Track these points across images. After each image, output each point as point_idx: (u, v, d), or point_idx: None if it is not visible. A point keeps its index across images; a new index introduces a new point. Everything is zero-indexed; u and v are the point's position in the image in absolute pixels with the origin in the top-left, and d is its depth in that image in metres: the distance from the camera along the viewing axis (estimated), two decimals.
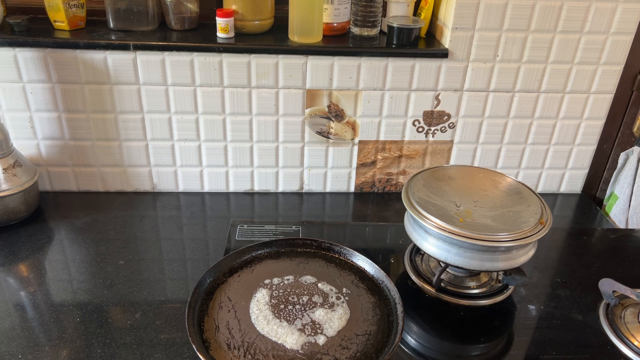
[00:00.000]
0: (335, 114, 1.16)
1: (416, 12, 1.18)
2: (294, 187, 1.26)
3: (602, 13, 1.09)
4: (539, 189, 1.31)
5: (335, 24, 1.12)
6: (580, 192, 1.32)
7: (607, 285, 0.89)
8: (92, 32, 1.08)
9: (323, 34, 1.11)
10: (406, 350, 0.82)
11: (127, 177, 1.20)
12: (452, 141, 1.22)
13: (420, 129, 1.20)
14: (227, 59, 1.07)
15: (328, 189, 1.27)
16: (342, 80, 1.11)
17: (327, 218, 1.18)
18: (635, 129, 1.24)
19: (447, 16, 1.10)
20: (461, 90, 1.15)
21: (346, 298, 0.83)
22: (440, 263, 0.92)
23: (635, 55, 1.15)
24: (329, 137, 1.19)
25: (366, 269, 0.89)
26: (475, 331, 0.86)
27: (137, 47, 1.04)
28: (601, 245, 1.11)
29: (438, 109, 1.17)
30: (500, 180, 0.94)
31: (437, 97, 1.16)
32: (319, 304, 0.81)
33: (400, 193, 0.91)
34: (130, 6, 1.07)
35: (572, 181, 1.31)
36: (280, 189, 1.26)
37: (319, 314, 0.78)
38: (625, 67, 1.16)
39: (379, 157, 1.23)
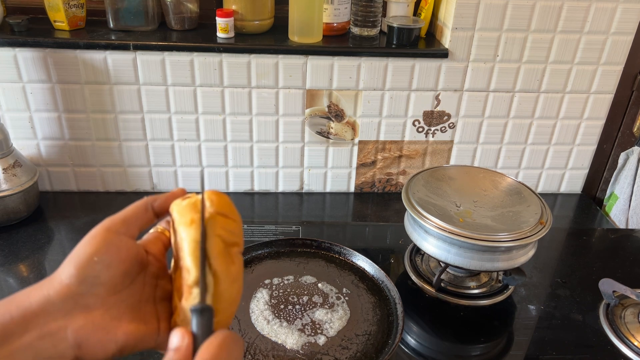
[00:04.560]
0: (335, 114, 1.16)
1: (416, 12, 1.18)
2: (294, 187, 1.26)
3: (602, 13, 1.09)
4: (539, 189, 1.31)
5: (335, 24, 1.12)
6: (580, 192, 1.32)
7: (607, 285, 0.89)
8: (92, 32, 1.08)
9: (323, 34, 1.11)
10: (406, 350, 0.82)
11: (127, 177, 1.20)
12: (452, 141, 1.22)
13: (420, 129, 1.20)
14: (227, 59, 1.07)
15: (328, 189, 1.27)
16: (342, 80, 1.11)
17: (327, 218, 1.18)
18: (635, 129, 1.24)
19: (447, 16, 1.10)
20: (461, 90, 1.15)
21: (346, 298, 0.83)
22: (440, 263, 0.92)
23: (635, 55, 1.15)
24: (329, 137, 1.19)
25: (366, 269, 0.89)
26: (475, 331, 0.86)
27: (137, 47, 1.04)
28: (601, 245, 1.11)
29: (438, 109, 1.17)
30: (500, 180, 0.94)
31: (437, 97, 1.16)
32: (319, 304, 0.81)
33: (400, 193, 0.91)
34: (130, 6, 1.07)
35: (572, 181, 1.31)
36: (280, 189, 1.26)
37: (319, 314, 0.78)
38: (625, 67, 1.16)
39: (379, 157, 1.23)
